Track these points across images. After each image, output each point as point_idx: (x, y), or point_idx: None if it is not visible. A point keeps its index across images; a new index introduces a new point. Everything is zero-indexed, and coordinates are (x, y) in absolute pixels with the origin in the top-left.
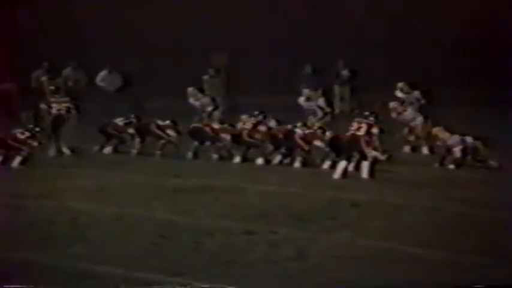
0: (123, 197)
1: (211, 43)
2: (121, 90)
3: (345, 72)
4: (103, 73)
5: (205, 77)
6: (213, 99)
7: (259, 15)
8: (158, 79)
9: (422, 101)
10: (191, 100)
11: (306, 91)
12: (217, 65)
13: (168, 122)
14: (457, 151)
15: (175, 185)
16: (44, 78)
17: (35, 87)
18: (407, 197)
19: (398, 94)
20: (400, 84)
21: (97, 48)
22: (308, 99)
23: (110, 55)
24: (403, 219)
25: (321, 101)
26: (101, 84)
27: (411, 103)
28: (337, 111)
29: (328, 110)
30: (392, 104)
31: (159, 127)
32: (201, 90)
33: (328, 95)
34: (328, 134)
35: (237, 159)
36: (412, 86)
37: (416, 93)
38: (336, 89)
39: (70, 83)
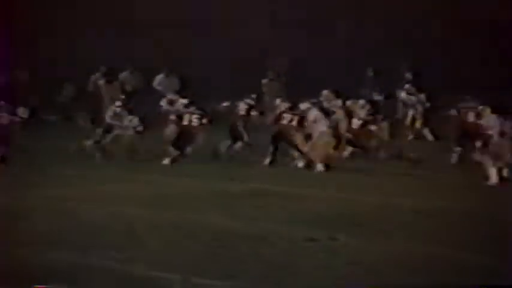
0: (179, 203)
1: (270, 46)
2: (178, 93)
3: (409, 75)
4: (160, 76)
5: (265, 81)
6: None
7: (319, 17)
8: (216, 82)
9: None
10: None
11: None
12: (277, 68)
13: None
14: None
15: (231, 190)
16: (101, 82)
17: (93, 91)
18: (470, 202)
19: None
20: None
21: (154, 50)
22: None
23: (166, 58)
24: (464, 226)
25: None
26: (158, 88)
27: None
28: (399, 116)
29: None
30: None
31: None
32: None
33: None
34: None
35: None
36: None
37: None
38: (399, 93)
39: (128, 87)
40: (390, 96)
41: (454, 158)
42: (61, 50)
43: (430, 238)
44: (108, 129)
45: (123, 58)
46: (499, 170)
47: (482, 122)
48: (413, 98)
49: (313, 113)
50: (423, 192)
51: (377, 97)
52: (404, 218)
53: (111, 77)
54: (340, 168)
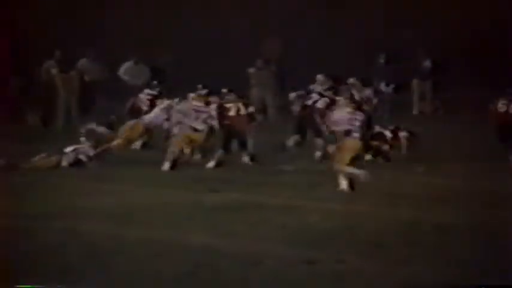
0: (151, 217)
1: (258, 28)
2: (148, 84)
3: (427, 63)
4: (127, 65)
5: (252, 70)
6: None
7: None
8: (193, 72)
9: None
10: None
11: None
12: (267, 54)
13: None
14: None
15: (213, 202)
16: (54, 71)
17: (46, 81)
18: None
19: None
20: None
21: (119, 35)
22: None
23: (134, 44)
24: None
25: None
26: (125, 77)
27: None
28: (415, 112)
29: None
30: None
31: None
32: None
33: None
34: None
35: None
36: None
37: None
38: (415, 83)
39: (86, 77)
40: (400, 89)
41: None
42: (7, 32)
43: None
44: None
45: (81, 43)
46: None
47: None
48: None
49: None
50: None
51: (385, 89)
52: (427, 237)
53: (67, 65)
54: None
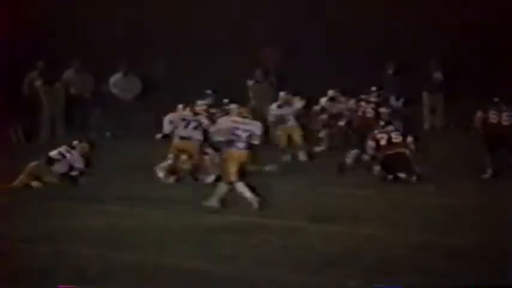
0: (144, 240)
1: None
2: (140, 98)
3: (438, 75)
4: (117, 76)
5: (250, 82)
6: None
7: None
8: (188, 84)
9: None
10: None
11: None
12: (265, 65)
13: None
14: None
15: (209, 223)
16: (38, 83)
17: (28, 95)
18: None
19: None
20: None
21: (107, 44)
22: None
23: (124, 54)
24: None
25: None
26: (114, 91)
27: None
28: (426, 126)
29: None
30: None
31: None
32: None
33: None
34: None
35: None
36: None
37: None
38: (425, 97)
39: (72, 90)
40: (410, 102)
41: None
42: None
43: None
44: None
45: (66, 52)
46: None
47: None
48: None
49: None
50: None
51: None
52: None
53: (51, 76)
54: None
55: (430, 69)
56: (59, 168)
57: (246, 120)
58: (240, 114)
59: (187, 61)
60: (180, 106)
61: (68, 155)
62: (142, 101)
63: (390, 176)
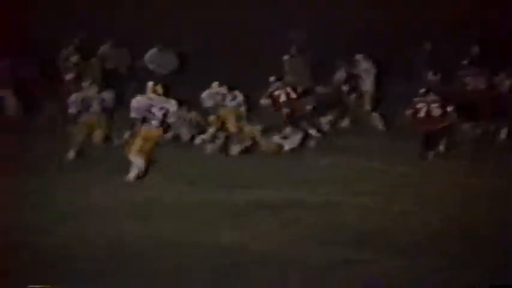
0: (179, 216)
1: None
2: (176, 73)
3: (476, 50)
4: (152, 52)
5: (286, 57)
6: None
7: None
8: (223, 60)
9: None
10: None
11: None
12: (297, 43)
13: None
14: None
15: (245, 199)
16: (74, 59)
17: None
18: None
19: None
20: None
21: (144, 19)
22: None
23: (160, 29)
24: None
25: None
26: (150, 66)
27: None
28: None
29: None
30: None
31: None
32: None
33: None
34: None
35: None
36: None
37: None
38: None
39: (109, 65)
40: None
41: None
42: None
43: None
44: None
45: (104, 28)
46: None
47: None
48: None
49: None
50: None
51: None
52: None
53: (87, 52)
54: (394, 171)
55: (467, 43)
56: None
57: (162, 98)
58: (154, 92)
59: (223, 35)
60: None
61: None
62: (177, 76)
63: (431, 153)
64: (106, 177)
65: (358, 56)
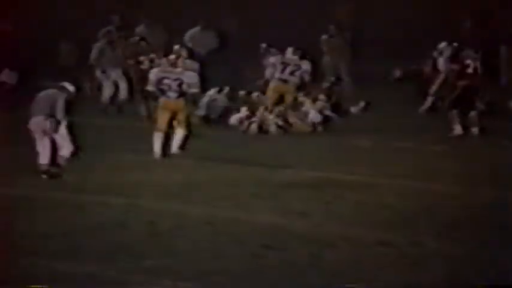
0: (215, 195)
1: None
2: (215, 53)
3: None
4: (193, 31)
5: (324, 37)
6: None
7: None
8: (263, 39)
9: None
10: None
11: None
12: (341, 20)
13: None
14: None
15: (284, 179)
16: (114, 37)
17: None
18: None
19: None
20: None
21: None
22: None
23: (200, 7)
24: None
25: None
26: (189, 45)
27: None
28: (503, 82)
29: None
30: None
31: None
32: None
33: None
34: None
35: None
36: None
37: None
38: (503, 50)
39: (145, 44)
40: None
41: None
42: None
43: None
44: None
45: (136, 8)
46: None
47: None
48: None
49: None
50: None
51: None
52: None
53: (126, 31)
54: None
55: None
56: None
57: (177, 70)
58: (171, 64)
59: (262, 15)
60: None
61: None
62: (217, 56)
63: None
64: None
65: None
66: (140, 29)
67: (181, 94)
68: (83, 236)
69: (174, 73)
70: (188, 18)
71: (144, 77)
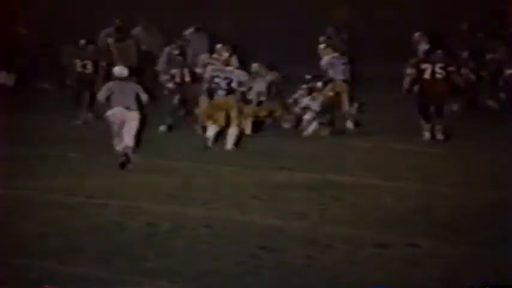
0: (213, 196)
1: None
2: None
3: None
4: (188, 32)
5: (322, 39)
6: None
7: None
8: (258, 40)
9: None
10: None
11: None
12: (338, 20)
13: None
14: None
15: (281, 180)
16: (110, 40)
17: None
18: None
19: None
20: None
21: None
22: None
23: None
24: None
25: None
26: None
27: None
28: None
29: None
30: None
31: None
32: None
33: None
34: None
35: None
36: None
37: None
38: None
39: (143, 46)
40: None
41: None
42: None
43: None
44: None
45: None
46: None
47: None
48: None
49: None
50: None
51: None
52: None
53: (123, 33)
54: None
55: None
56: None
57: (227, 68)
58: (222, 63)
59: (257, 16)
60: None
61: None
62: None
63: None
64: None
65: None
66: (136, 31)
67: (230, 92)
68: (81, 237)
69: (225, 71)
70: (184, 20)
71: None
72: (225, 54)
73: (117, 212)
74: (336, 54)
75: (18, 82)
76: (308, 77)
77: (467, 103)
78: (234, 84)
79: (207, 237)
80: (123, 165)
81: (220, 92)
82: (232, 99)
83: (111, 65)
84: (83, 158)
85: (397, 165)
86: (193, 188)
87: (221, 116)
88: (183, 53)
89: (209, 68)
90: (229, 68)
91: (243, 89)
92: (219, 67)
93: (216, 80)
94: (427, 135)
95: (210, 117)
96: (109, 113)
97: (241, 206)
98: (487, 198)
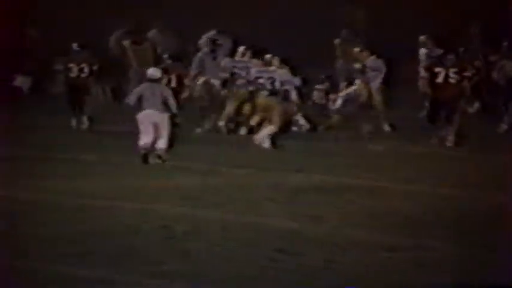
0: (229, 199)
1: None
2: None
3: None
4: (210, 35)
5: (337, 41)
6: None
7: None
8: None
9: None
10: None
11: None
12: (353, 23)
13: None
14: None
15: (295, 183)
16: (126, 43)
17: (116, 54)
18: None
19: None
20: None
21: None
22: None
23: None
24: None
25: None
26: (205, 49)
27: None
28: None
29: None
30: None
31: None
32: None
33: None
34: None
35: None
36: None
37: None
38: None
39: (159, 49)
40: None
41: None
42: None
43: None
44: None
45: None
46: None
47: None
48: None
49: None
50: None
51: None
52: None
53: (139, 36)
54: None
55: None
56: None
57: (271, 68)
58: (264, 63)
59: (272, 18)
60: None
61: None
62: None
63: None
64: None
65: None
66: (152, 33)
67: (273, 93)
68: (95, 240)
69: (268, 72)
70: (201, 23)
71: None
72: (268, 56)
73: (131, 214)
74: (373, 57)
75: (33, 85)
76: (322, 77)
77: (481, 105)
78: (277, 84)
79: (224, 240)
80: (145, 159)
81: (263, 93)
82: (274, 101)
83: (102, 68)
84: (96, 160)
85: (412, 168)
86: (209, 190)
87: (264, 117)
88: (215, 58)
89: (253, 70)
90: (272, 68)
91: (288, 87)
92: (263, 68)
93: (260, 80)
94: (435, 139)
95: (253, 117)
96: (140, 115)
97: (257, 208)
98: (500, 202)
